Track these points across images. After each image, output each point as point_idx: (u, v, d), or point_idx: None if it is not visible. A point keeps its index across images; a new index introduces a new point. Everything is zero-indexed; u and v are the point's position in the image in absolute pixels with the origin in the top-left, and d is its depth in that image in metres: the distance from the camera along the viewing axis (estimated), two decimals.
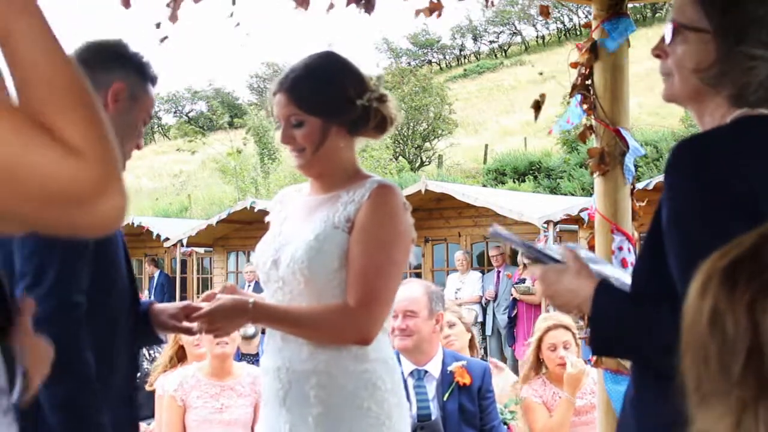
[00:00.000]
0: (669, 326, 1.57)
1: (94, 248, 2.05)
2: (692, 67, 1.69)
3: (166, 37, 3.43)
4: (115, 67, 2.20)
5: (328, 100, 2.40)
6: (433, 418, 3.63)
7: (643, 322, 1.61)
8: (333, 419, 2.34)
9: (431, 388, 3.71)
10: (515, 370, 6.23)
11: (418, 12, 3.36)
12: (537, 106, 3.34)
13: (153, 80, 2.30)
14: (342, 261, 2.34)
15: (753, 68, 1.65)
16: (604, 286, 1.70)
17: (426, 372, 3.74)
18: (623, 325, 1.64)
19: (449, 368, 3.74)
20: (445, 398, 3.69)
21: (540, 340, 4.28)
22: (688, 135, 1.67)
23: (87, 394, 1.96)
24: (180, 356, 4.52)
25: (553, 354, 4.21)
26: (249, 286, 13.76)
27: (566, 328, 4.22)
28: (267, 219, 2.65)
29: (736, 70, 1.65)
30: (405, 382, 3.63)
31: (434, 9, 3.36)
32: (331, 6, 3.31)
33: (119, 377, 2.14)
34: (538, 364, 4.30)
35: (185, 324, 2.41)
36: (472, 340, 4.46)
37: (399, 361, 3.63)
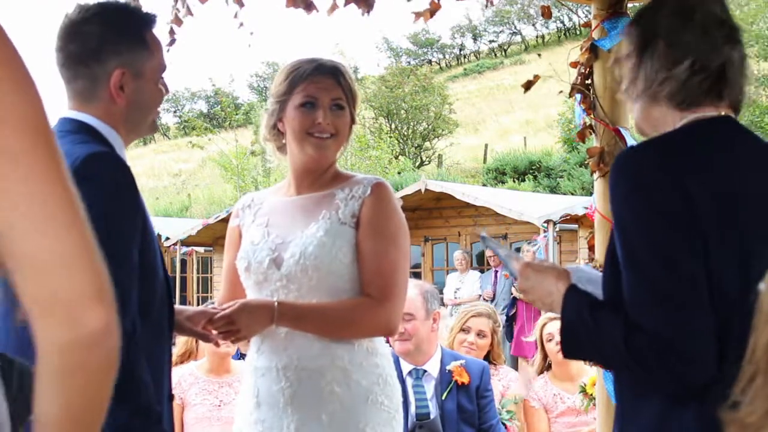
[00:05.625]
0: (622, 333, 1.61)
1: (140, 261, 1.94)
2: (624, 89, 1.82)
3: (174, 41, 3.42)
4: (107, 54, 2.03)
5: (355, 96, 2.54)
6: (431, 417, 3.64)
7: (600, 328, 1.65)
8: (348, 415, 2.34)
9: (429, 387, 3.72)
10: (514, 368, 6.26)
11: (418, 15, 3.36)
12: (528, 85, 3.35)
13: (149, 26, 2.11)
14: (353, 256, 2.39)
15: (672, 70, 1.73)
16: (573, 290, 1.75)
17: (425, 371, 3.74)
18: (585, 330, 1.69)
19: (448, 367, 3.75)
20: (443, 397, 3.70)
21: (541, 337, 4.34)
22: (633, 144, 1.72)
23: (146, 420, 1.89)
24: (190, 352, 4.52)
25: (551, 343, 4.26)
26: None
27: None
28: (233, 224, 2.62)
29: (659, 77, 1.75)
30: (404, 381, 3.64)
31: (434, 11, 3.35)
32: (334, 8, 3.31)
33: (164, 378, 2.07)
34: (544, 360, 4.35)
35: (202, 329, 2.35)
36: (489, 353, 4.43)
37: (398, 361, 3.64)
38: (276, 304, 2.33)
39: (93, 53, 2.04)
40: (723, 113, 1.75)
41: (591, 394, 3.80)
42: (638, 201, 1.63)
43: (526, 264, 1.87)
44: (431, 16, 3.36)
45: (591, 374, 4.05)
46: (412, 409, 3.62)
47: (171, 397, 2.11)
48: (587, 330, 1.67)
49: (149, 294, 1.99)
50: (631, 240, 1.63)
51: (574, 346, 1.74)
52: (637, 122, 1.85)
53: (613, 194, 1.67)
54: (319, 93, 2.45)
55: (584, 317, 1.68)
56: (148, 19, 2.12)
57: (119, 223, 1.91)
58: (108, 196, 1.90)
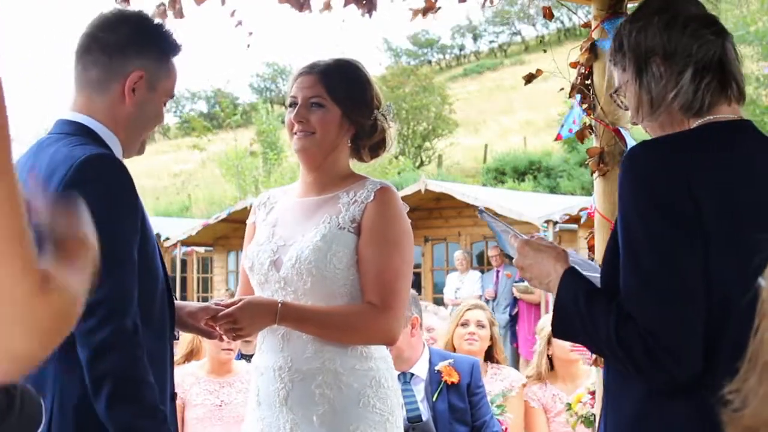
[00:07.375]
0: (614, 322, 1.62)
1: (139, 261, 1.95)
2: (633, 115, 1.84)
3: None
4: (132, 52, 2.07)
5: (353, 95, 2.47)
6: (424, 419, 3.61)
7: (593, 316, 1.67)
8: (339, 417, 2.35)
9: (419, 390, 3.70)
10: (516, 368, 6.27)
11: (416, 13, 3.37)
12: (529, 78, 3.36)
13: (176, 53, 2.17)
14: (350, 261, 2.38)
15: (680, 81, 1.74)
16: (571, 273, 1.77)
17: (412, 375, 3.73)
18: (579, 316, 1.70)
19: (436, 368, 3.73)
20: (434, 398, 3.68)
21: (549, 341, 4.32)
22: (644, 140, 1.73)
23: (152, 420, 1.89)
24: (195, 351, 4.52)
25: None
26: None
27: None
28: (250, 220, 2.65)
29: (668, 92, 1.76)
30: None
31: (428, 9, 3.37)
32: (328, 7, 3.31)
33: (167, 377, 2.08)
34: (550, 363, 4.34)
35: (204, 325, 2.36)
36: (491, 348, 4.44)
37: None
38: (280, 304, 2.34)
39: (119, 46, 2.07)
40: (738, 117, 1.76)
41: (577, 412, 3.82)
42: (642, 194, 1.65)
43: (524, 242, 1.89)
44: (424, 15, 3.38)
45: (579, 391, 4.07)
46: (403, 412, 3.62)
47: (174, 396, 2.11)
48: (581, 316, 1.69)
49: (149, 293, 2.00)
50: (631, 232, 1.65)
51: (565, 328, 1.76)
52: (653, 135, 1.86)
53: (620, 185, 1.69)
54: (298, 92, 2.47)
55: (579, 303, 1.70)
56: (177, 46, 2.17)
57: (119, 224, 1.92)
58: (108, 197, 1.91)
